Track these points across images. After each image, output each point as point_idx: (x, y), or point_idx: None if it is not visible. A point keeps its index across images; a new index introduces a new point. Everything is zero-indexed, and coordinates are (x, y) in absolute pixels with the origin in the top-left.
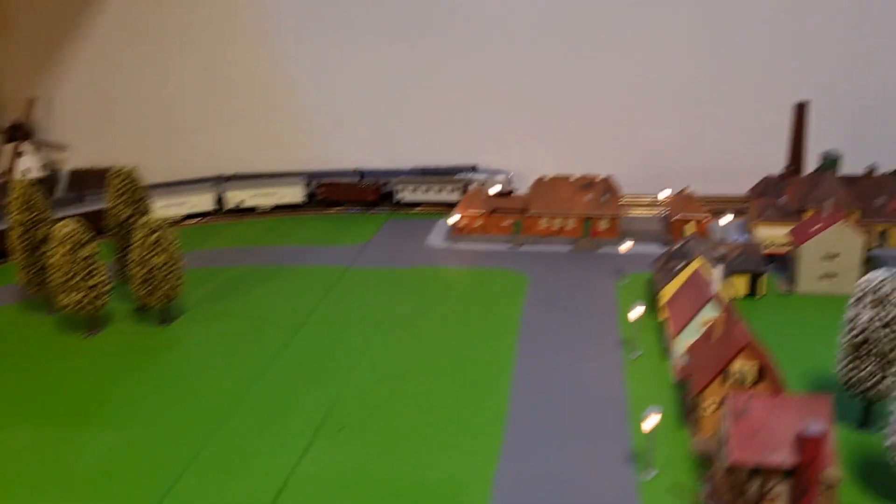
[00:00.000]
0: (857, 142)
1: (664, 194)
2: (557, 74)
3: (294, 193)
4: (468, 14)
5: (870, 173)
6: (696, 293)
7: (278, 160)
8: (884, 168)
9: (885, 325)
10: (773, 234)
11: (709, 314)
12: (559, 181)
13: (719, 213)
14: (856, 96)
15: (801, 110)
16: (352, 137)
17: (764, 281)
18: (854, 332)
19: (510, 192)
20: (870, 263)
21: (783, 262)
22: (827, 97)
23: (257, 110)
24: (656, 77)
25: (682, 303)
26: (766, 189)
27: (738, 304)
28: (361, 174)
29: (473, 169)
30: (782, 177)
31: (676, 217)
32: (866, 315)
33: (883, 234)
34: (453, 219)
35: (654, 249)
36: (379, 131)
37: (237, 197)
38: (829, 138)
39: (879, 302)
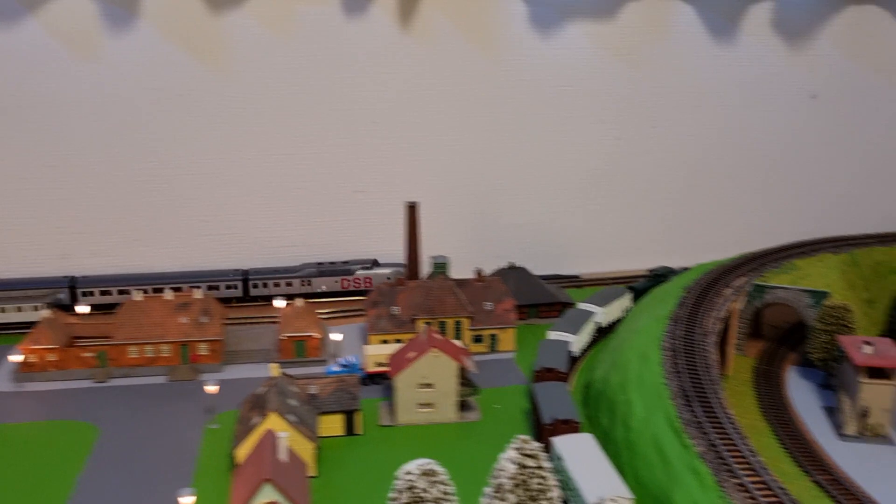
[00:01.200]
0: (466, 245)
1: (279, 305)
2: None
3: None
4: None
5: (479, 276)
6: (258, 467)
7: None
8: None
9: None
10: (379, 352)
11: (266, 498)
12: (152, 301)
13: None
14: (466, 200)
15: (412, 211)
16: None
17: (359, 419)
18: None
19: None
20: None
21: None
22: (438, 198)
23: None
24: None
25: (246, 476)
26: (381, 298)
27: (336, 444)
28: None
29: (375, 263)
30: (394, 285)
31: (286, 334)
32: None
33: (494, 338)
34: (17, 357)
35: (265, 374)
36: None
37: None
38: (449, 241)
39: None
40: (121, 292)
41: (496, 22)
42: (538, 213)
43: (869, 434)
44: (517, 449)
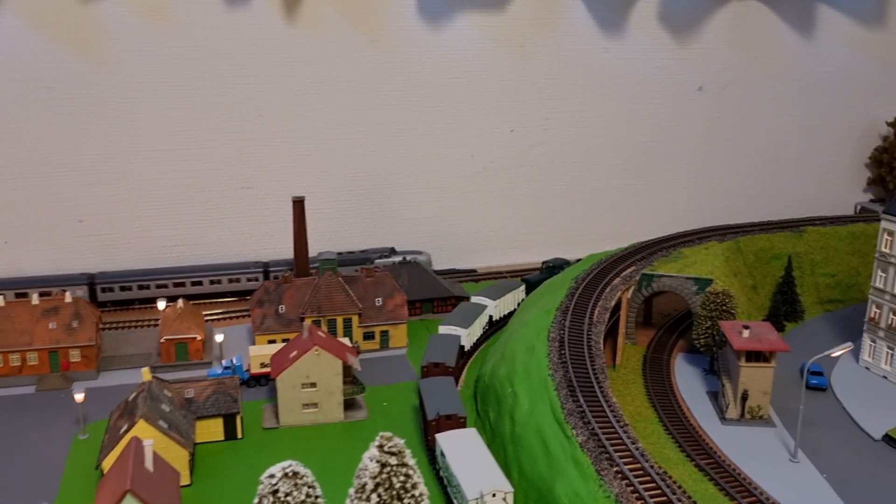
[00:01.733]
0: (361, 240)
1: (161, 306)
2: None
3: None
4: None
5: (369, 271)
6: (120, 477)
7: None
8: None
9: None
10: (264, 353)
11: None
12: (18, 306)
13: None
14: (359, 195)
15: (298, 207)
16: None
17: (239, 422)
18: None
19: None
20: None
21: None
22: (330, 194)
23: None
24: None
25: (108, 487)
26: (266, 297)
27: (215, 450)
28: None
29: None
30: (281, 282)
31: (165, 337)
32: None
33: (385, 335)
34: None
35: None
36: None
37: None
38: (344, 236)
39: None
40: None
41: (384, 13)
42: (434, 207)
43: (749, 417)
44: (379, 447)
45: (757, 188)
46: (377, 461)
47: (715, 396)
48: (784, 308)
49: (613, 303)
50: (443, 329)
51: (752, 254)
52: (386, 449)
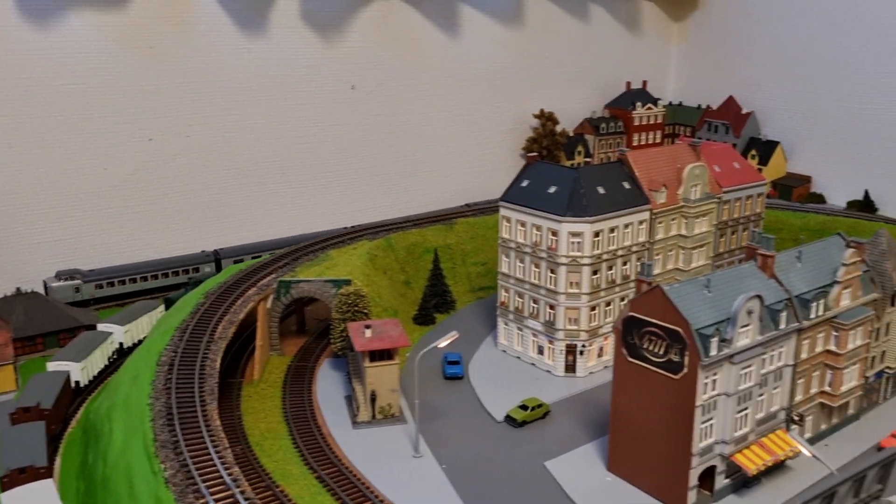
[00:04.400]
0: None
1: None
2: None
3: None
4: None
5: None
6: None
7: None
8: None
9: None
10: None
11: None
12: None
13: None
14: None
15: None
16: None
17: None
18: None
19: None
20: None
21: None
22: None
23: None
24: None
25: None
26: None
27: None
28: None
29: None
30: None
31: None
32: None
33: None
34: None
35: None
36: None
37: None
38: None
39: None
40: None
41: None
42: (67, 227)
43: (382, 417)
44: None
45: (420, 183)
46: None
47: (351, 401)
48: (434, 300)
49: (243, 315)
50: (51, 365)
51: (403, 249)
52: None
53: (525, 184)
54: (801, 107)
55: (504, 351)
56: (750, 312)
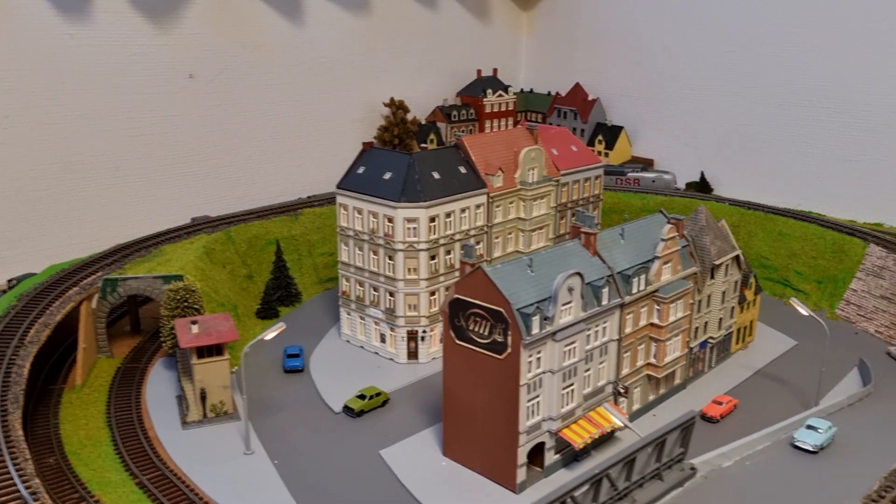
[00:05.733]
0: None
1: None
2: None
3: None
4: None
5: None
6: None
7: None
8: None
9: None
10: None
11: None
12: None
13: None
14: None
15: None
16: None
17: None
18: None
19: None
20: None
21: None
22: None
23: None
24: None
25: None
26: None
27: None
28: None
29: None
30: None
31: None
32: None
33: None
34: None
35: None
36: None
37: None
38: None
39: None
40: None
41: None
42: None
43: (214, 415)
44: None
45: (268, 175)
46: None
47: (181, 401)
48: (278, 293)
49: (61, 317)
50: None
51: (244, 242)
52: None
53: (361, 170)
54: (642, 93)
55: (348, 341)
56: (571, 290)
